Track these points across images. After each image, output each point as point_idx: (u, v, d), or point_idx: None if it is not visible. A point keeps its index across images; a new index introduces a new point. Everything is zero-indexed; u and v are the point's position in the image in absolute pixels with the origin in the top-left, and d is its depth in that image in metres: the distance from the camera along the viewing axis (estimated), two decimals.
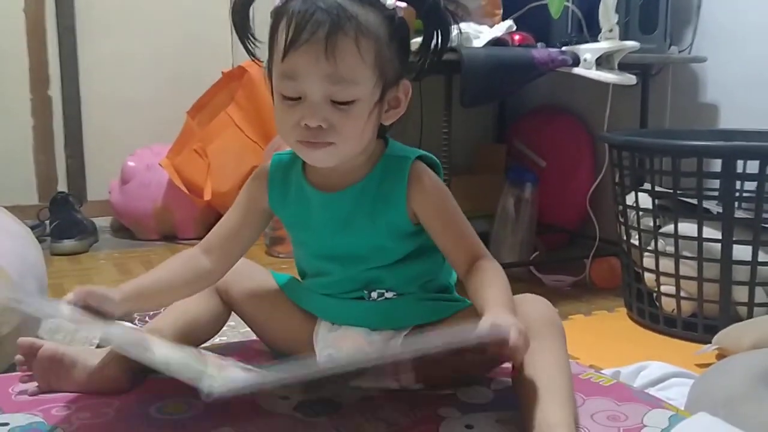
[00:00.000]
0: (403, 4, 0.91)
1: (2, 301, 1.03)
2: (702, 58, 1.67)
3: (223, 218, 1.00)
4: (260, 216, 0.99)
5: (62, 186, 2.37)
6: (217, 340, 1.12)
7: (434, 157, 0.96)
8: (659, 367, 1.09)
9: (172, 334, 0.97)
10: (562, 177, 1.99)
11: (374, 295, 0.95)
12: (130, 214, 2.22)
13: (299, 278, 1.04)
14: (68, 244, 2.04)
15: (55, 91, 2.35)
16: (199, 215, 2.22)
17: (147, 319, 1.38)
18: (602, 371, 1.02)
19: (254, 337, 1.09)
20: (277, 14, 0.86)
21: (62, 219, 2.10)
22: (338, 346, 0.95)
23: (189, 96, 2.30)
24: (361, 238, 0.93)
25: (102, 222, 2.32)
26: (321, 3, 0.83)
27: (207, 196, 2.14)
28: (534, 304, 0.90)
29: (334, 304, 0.96)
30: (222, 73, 2.28)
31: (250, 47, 0.93)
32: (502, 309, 0.82)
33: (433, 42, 0.91)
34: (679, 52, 1.72)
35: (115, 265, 1.93)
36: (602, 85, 1.88)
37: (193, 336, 1.00)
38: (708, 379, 0.96)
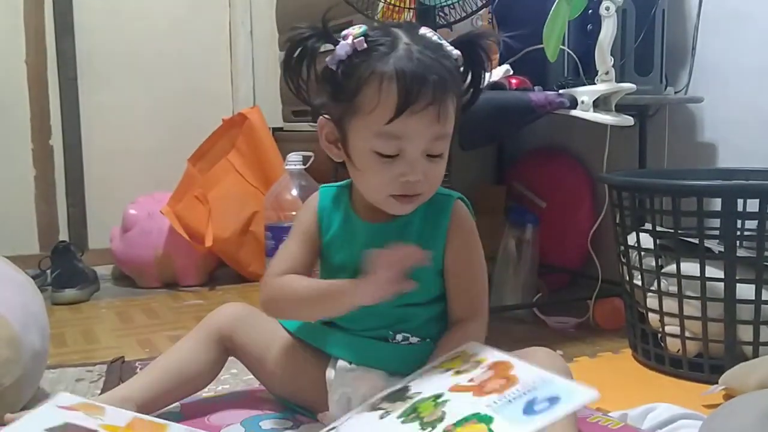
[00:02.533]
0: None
1: (3, 353, 1.02)
2: (698, 98, 1.69)
3: (281, 249, 1.02)
4: (317, 243, 1.01)
5: (63, 235, 2.37)
6: (219, 387, 1.11)
7: (467, 200, 1.00)
8: (667, 409, 1.08)
9: (164, 382, 0.96)
10: (562, 217, 1.99)
11: (399, 337, 0.95)
12: (132, 262, 2.22)
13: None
14: (69, 293, 2.03)
15: (56, 140, 2.37)
16: (201, 262, 2.22)
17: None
18: (610, 414, 1.01)
19: (257, 384, 1.08)
20: (377, 74, 0.87)
21: (63, 268, 2.10)
22: (355, 385, 0.94)
23: (190, 143, 2.31)
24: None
25: (103, 270, 2.31)
26: (428, 64, 0.86)
27: (208, 243, 2.14)
28: (541, 356, 0.91)
29: (356, 343, 0.97)
30: (222, 120, 2.31)
31: (306, 98, 0.95)
32: None
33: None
34: (675, 93, 1.74)
35: (117, 314, 1.92)
36: (600, 127, 1.89)
37: (188, 385, 1.00)
38: (716, 419, 0.95)
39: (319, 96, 0.96)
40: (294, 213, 1.99)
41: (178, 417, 1.00)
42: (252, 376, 1.08)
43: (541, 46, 1.58)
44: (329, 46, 0.95)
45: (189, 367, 0.98)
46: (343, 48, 0.91)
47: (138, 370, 1.37)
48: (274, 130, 2.37)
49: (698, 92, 1.71)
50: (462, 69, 0.95)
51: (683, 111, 1.76)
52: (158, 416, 0.95)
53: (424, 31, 0.93)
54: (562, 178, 2.04)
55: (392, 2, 1.70)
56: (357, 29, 0.91)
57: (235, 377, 1.22)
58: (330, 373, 0.97)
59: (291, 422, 1.00)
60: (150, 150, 2.46)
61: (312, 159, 2.03)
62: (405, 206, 0.93)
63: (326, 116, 0.96)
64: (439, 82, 0.86)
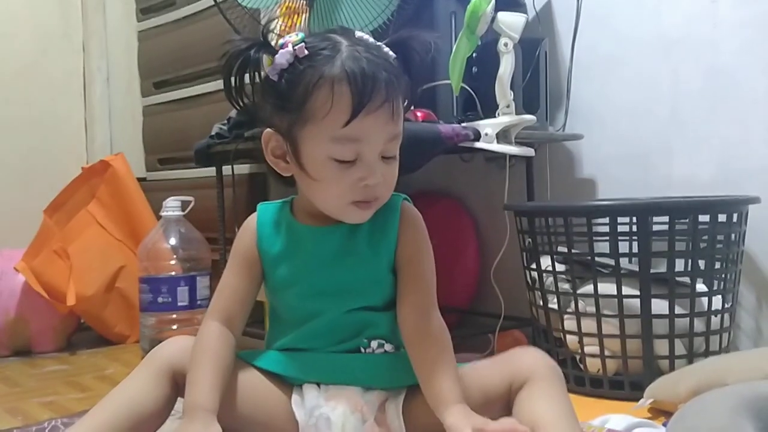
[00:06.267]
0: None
1: None
2: (579, 135, 1.78)
3: (222, 284, 0.94)
4: (258, 266, 0.94)
5: None
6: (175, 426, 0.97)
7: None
8: (621, 419, 1.09)
9: (115, 426, 0.84)
10: (449, 258, 2.00)
11: (374, 344, 0.89)
12: None
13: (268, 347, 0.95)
14: None
15: None
16: (60, 324, 2.01)
17: None
18: (591, 422, 1.00)
19: None
20: (327, 78, 0.84)
21: None
22: (331, 404, 0.86)
23: (41, 195, 2.12)
24: (361, 268, 0.90)
25: None
26: (376, 63, 0.84)
27: (71, 301, 1.93)
28: (530, 355, 0.90)
29: (324, 360, 0.90)
30: (82, 168, 2.13)
31: (252, 113, 0.92)
32: (461, 415, 0.82)
33: None
34: (555, 131, 1.83)
35: None
36: (479, 168, 1.96)
37: (142, 427, 0.87)
38: (686, 418, 0.97)
39: (261, 109, 0.91)
40: (173, 262, 1.87)
41: None
42: None
43: (436, 83, 1.63)
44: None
45: (141, 406, 0.86)
46: (283, 56, 0.87)
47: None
48: (137, 180, 2.23)
49: (575, 131, 1.81)
50: None
51: (563, 149, 1.85)
52: None
53: (360, 34, 0.91)
54: (445, 220, 2.05)
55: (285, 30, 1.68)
56: (295, 36, 0.88)
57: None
58: (296, 399, 0.89)
59: None
60: None
61: (192, 204, 1.91)
62: (365, 213, 0.90)
63: (270, 130, 0.91)
64: (389, 80, 0.85)
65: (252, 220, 0.97)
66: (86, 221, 2.05)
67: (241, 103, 0.92)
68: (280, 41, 0.88)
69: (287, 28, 1.73)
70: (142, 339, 1.88)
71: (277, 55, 0.87)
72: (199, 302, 1.87)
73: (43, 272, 1.95)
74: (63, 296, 1.94)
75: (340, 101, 0.83)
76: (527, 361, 0.87)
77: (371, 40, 0.90)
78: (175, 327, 1.85)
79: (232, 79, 0.89)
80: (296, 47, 0.86)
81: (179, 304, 1.84)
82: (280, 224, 0.95)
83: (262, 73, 0.89)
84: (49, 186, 2.13)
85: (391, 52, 0.89)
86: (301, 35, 0.88)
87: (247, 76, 0.89)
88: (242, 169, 1.90)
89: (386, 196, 0.91)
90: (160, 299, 1.84)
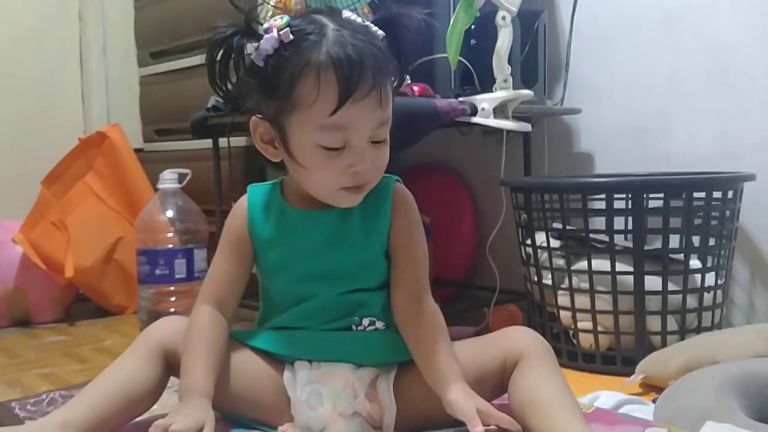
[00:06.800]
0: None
1: None
2: (577, 109, 1.77)
3: (213, 267, 0.94)
4: (249, 249, 0.94)
5: None
6: (167, 407, 0.98)
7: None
8: (610, 396, 1.10)
9: (109, 404, 0.85)
10: (446, 231, 2.00)
11: (366, 322, 0.90)
12: None
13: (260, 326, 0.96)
14: None
15: None
16: (58, 295, 2.02)
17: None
18: (579, 399, 1.01)
19: None
20: (312, 65, 0.82)
21: None
22: (323, 381, 0.88)
23: (40, 165, 2.11)
24: (353, 253, 0.90)
25: None
26: (362, 48, 0.82)
27: (69, 273, 1.94)
28: (522, 334, 0.90)
29: (316, 338, 0.90)
30: (78, 139, 2.12)
31: (238, 100, 0.90)
32: (464, 393, 0.84)
33: None
34: (553, 105, 1.82)
35: None
36: (475, 142, 1.95)
37: (135, 406, 0.89)
38: (674, 396, 0.98)
39: (248, 95, 0.90)
40: (170, 235, 1.87)
41: None
42: None
43: (433, 57, 1.61)
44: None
45: (134, 385, 0.87)
46: (268, 42, 0.85)
47: (17, 410, 1.22)
48: (134, 151, 2.22)
49: (574, 104, 1.80)
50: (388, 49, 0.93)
51: (561, 122, 1.84)
52: None
53: (347, 14, 0.90)
54: (442, 193, 2.06)
55: (278, 6, 1.66)
56: (280, 21, 0.86)
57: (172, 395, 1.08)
58: (287, 376, 0.90)
59: None
60: None
61: (189, 177, 1.91)
62: (355, 197, 0.90)
63: (258, 116, 0.90)
64: (377, 66, 0.84)
65: (242, 202, 0.97)
66: (84, 193, 2.05)
67: (225, 90, 0.90)
68: (265, 25, 0.87)
69: None
70: (140, 311, 1.90)
71: (261, 41, 0.86)
72: (196, 274, 1.87)
73: (41, 244, 1.96)
74: (61, 268, 1.95)
75: (326, 90, 0.82)
76: (519, 340, 0.88)
77: (359, 20, 0.89)
78: (173, 299, 1.86)
79: (216, 66, 0.88)
80: (281, 32, 0.85)
81: (177, 276, 1.85)
82: (270, 207, 0.95)
83: (248, 60, 0.88)
84: (47, 157, 2.12)
85: (380, 32, 0.88)
86: (286, 19, 0.86)
87: (231, 63, 0.88)
88: (239, 141, 1.89)
89: (376, 179, 0.90)
90: (157, 271, 1.84)
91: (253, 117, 0.91)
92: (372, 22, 0.90)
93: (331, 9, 0.92)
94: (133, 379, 0.87)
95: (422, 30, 0.91)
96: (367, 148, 0.86)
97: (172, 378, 0.92)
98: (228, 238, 0.96)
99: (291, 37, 0.84)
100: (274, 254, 0.94)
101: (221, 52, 0.87)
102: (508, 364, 0.87)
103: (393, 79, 0.89)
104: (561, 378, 0.85)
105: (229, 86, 0.90)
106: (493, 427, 0.79)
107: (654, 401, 1.10)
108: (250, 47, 0.87)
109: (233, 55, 0.87)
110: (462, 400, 0.82)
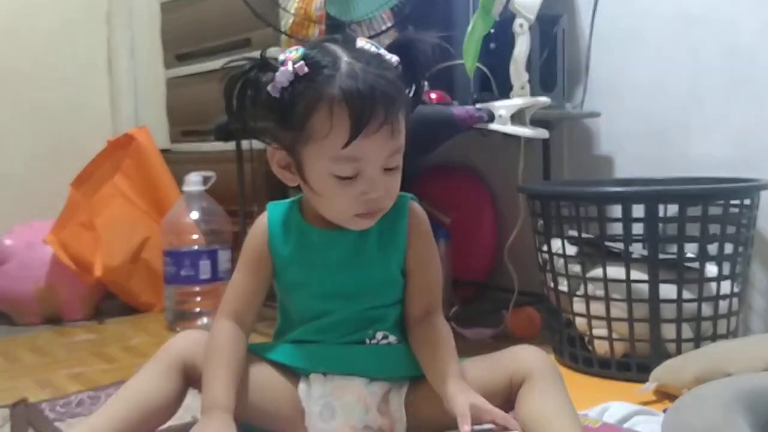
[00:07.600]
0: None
1: None
2: (596, 113, 1.78)
3: (233, 283, 0.97)
4: (269, 267, 0.97)
5: None
6: (189, 418, 1.02)
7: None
8: (621, 407, 1.12)
9: (129, 417, 0.89)
10: (466, 232, 2.02)
11: (379, 335, 0.93)
12: (8, 297, 2.03)
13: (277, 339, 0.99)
14: None
15: None
16: (88, 294, 2.07)
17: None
18: (587, 413, 1.03)
19: None
20: (326, 99, 0.84)
21: None
22: (337, 394, 0.91)
23: (69, 167, 2.16)
24: (373, 272, 0.94)
25: None
26: (373, 82, 0.84)
27: (98, 272, 2.00)
28: (528, 352, 0.94)
29: (331, 351, 0.94)
30: (107, 141, 2.17)
31: (255, 132, 0.93)
32: (461, 388, 0.87)
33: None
34: (573, 108, 1.82)
35: (1, 354, 1.75)
36: (495, 143, 1.96)
37: (153, 419, 0.93)
38: (682, 410, 0.99)
39: (265, 124, 0.93)
40: (195, 236, 1.91)
41: None
42: None
43: (451, 63, 1.63)
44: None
45: (153, 399, 0.91)
46: (284, 75, 0.87)
47: (46, 412, 1.28)
48: (161, 152, 2.27)
49: (594, 107, 1.80)
50: (402, 74, 0.94)
51: (580, 125, 1.85)
52: None
53: (361, 43, 0.91)
54: (463, 193, 2.07)
55: (299, 16, 1.69)
56: (295, 53, 0.89)
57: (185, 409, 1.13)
58: (302, 388, 0.94)
59: None
60: (24, 175, 2.28)
61: (213, 179, 1.95)
62: (368, 221, 0.93)
63: (275, 145, 0.93)
64: (388, 100, 0.86)
65: (263, 219, 1.00)
66: (112, 194, 2.10)
67: (243, 122, 0.91)
68: (281, 58, 0.89)
69: (303, 5, 1.74)
70: (166, 310, 1.94)
71: (277, 74, 0.88)
72: (221, 275, 1.91)
73: (71, 244, 2.01)
74: (90, 267, 2.01)
75: (338, 124, 0.85)
76: (526, 358, 0.90)
77: (372, 49, 0.90)
78: (198, 299, 1.91)
79: (234, 100, 0.90)
80: (296, 65, 0.87)
81: (201, 277, 1.90)
82: (290, 225, 0.97)
83: (264, 92, 0.90)
84: (77, 159, 2.16)
85: (394, 58, 0.90)
86: (301, 51, 0.89)
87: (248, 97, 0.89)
88: (261, 144, 1.92)
89: (389, 205, 0.93)
90: (183, 272, 1.89)
91: (269, 146, 0.93)
92: (387, 47, 0.92)
93: (347, 37, 0.94)
94: (151, 394, 0.91)
95: (438, 54, 0.93)
96: (379, 176, 0.88)
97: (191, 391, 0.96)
98: (248, 255, 0.99)
99: (306, 69, 0.87)
100: (293, 272, 0.97)
101: (239, 86, 0.89)
102: (515, 382, 0.90)
103: (406, 108, 0.90)
104: (565, 397, 0.87)
105: (247, 120, 0.92)
106: (488, 425, 0.81)
107: (665, 411, 1.11)
108: (265, 78, 0.89)
109: (249, 90, 0.90)
110: (457, 395, 0.84)
